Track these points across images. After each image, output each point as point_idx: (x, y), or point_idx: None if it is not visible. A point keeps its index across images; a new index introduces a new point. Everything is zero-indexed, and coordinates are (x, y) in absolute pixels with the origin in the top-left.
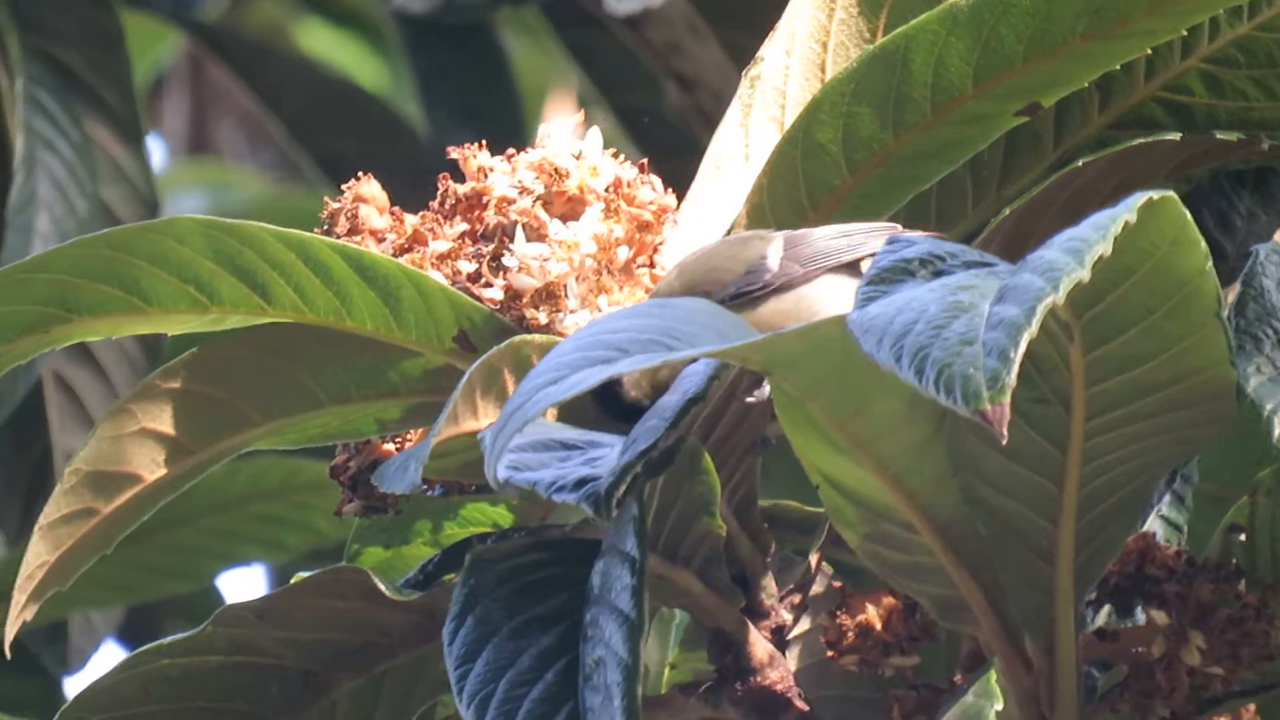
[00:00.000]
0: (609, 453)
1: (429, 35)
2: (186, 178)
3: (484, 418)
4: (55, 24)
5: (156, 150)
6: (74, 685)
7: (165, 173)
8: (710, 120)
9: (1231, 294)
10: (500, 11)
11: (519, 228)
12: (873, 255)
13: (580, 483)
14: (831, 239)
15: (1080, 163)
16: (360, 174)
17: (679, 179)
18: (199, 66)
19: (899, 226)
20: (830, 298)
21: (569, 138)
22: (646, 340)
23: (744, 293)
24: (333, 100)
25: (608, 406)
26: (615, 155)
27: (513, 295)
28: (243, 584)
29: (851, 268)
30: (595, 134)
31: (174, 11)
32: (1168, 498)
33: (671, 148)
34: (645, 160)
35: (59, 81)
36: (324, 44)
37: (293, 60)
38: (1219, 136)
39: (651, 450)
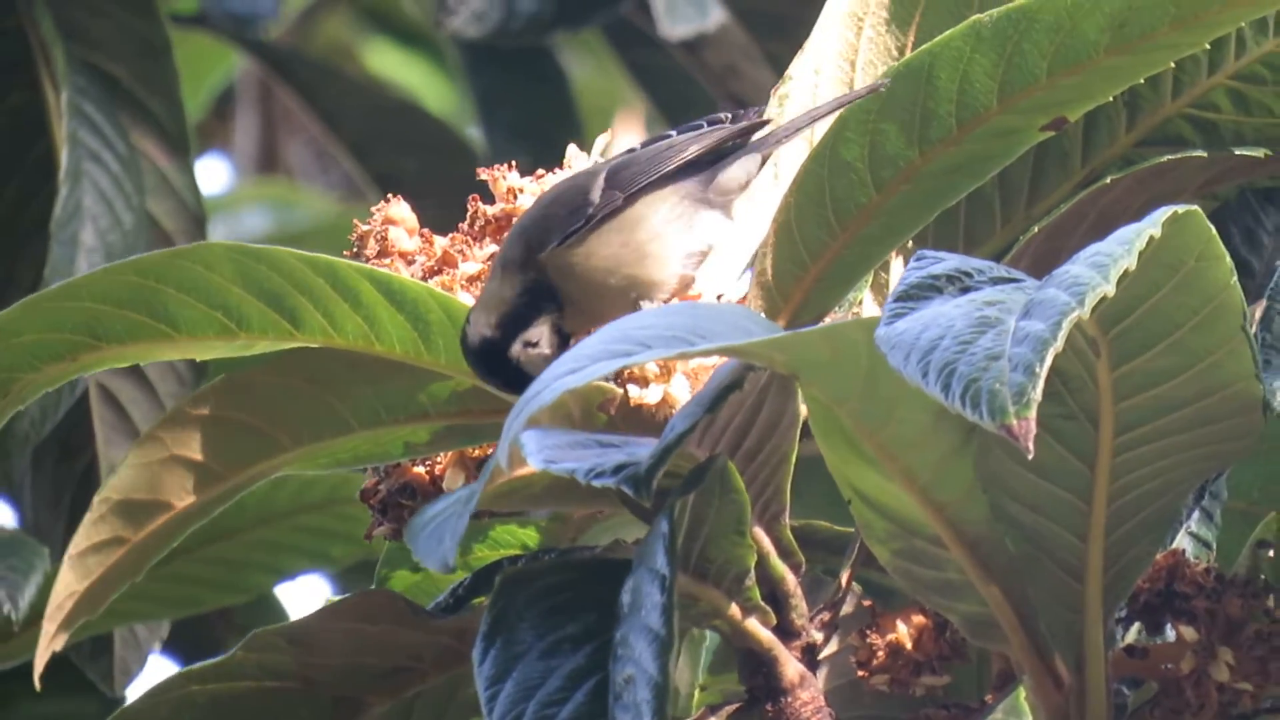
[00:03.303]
0: (645, 445)
1: (488, 57)
2: (253, 196)
3: (519, 469)
4: (101, 35)
5: (223, 170)
6: None
7: (232, 191)
8: None
9: (1258, 310)
10: (556, 35)
11: None
12: (697, 156)
13: (619, 467)
14: (651, 155)
15: (1108, 180)
16: (390, 195)
17: None
18: (268, 85)
19: (725, 117)
20: (651, 216)
21: (595, 159)
22: (671, 336)
23: (568, 234)
24: (393, 120)
25: (490, 370)
26: None
27: None
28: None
29: (680, 177)
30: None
31: (235, 31)
32: (1196, 514)
33: None
34: None
35: (105, 93)
36: (389, 63)
37: (354, 80)
38: (1246, 153)
39: (689, 433)
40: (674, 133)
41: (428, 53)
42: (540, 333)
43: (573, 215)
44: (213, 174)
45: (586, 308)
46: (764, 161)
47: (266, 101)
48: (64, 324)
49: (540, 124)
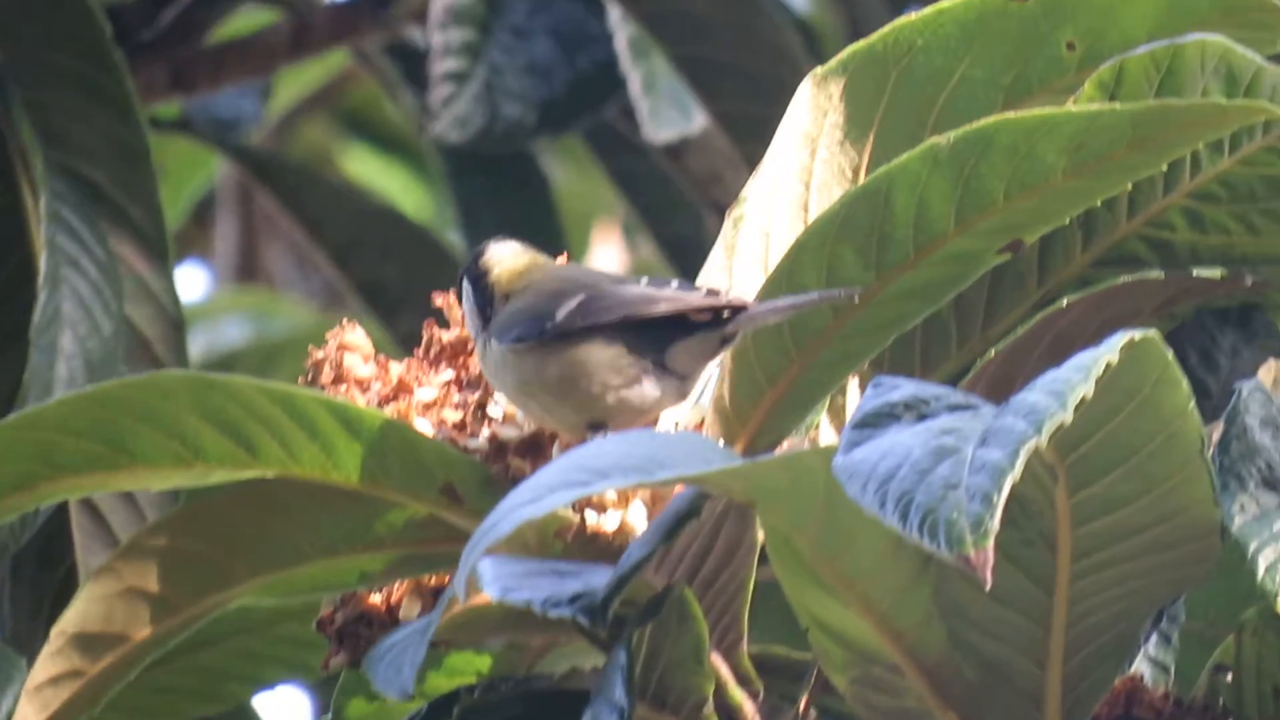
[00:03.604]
0: (601, 573)
1: (470, 162)
2: (232, 305)
3: (475, 599)
4: (80, 140)
5: (203, 278)
6: None
7: (211, 298)
8: None
9: (1215, 431)
10: (539, 140)
11: None
12: (669, 314)
13: (575, 597)
14: (631, 296)
15: (1064, 302)
16: (346, 321)
17: None
18: (248, 191)
19: (719, 290)
20: (592, 359)
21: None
22: (629, 466)
23: (521, 339)
24: (375, 227)
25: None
26: None
27: (498, 446)
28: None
29: (639, 332)
30: None
31: (217, 136)
32: (1154, 638)
33: None
34: None
35: (84, 198)
36: (368, 169)
37: (336, 186)
38: (1203, 274)
39: (645, 561)
40: (674, 283)
41: (407, 159)
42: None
43: (534, 323)
44: (192, 281)
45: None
46: (724, 343)
47: (246, 208)
48: (21, 454)
49: (522, 230)
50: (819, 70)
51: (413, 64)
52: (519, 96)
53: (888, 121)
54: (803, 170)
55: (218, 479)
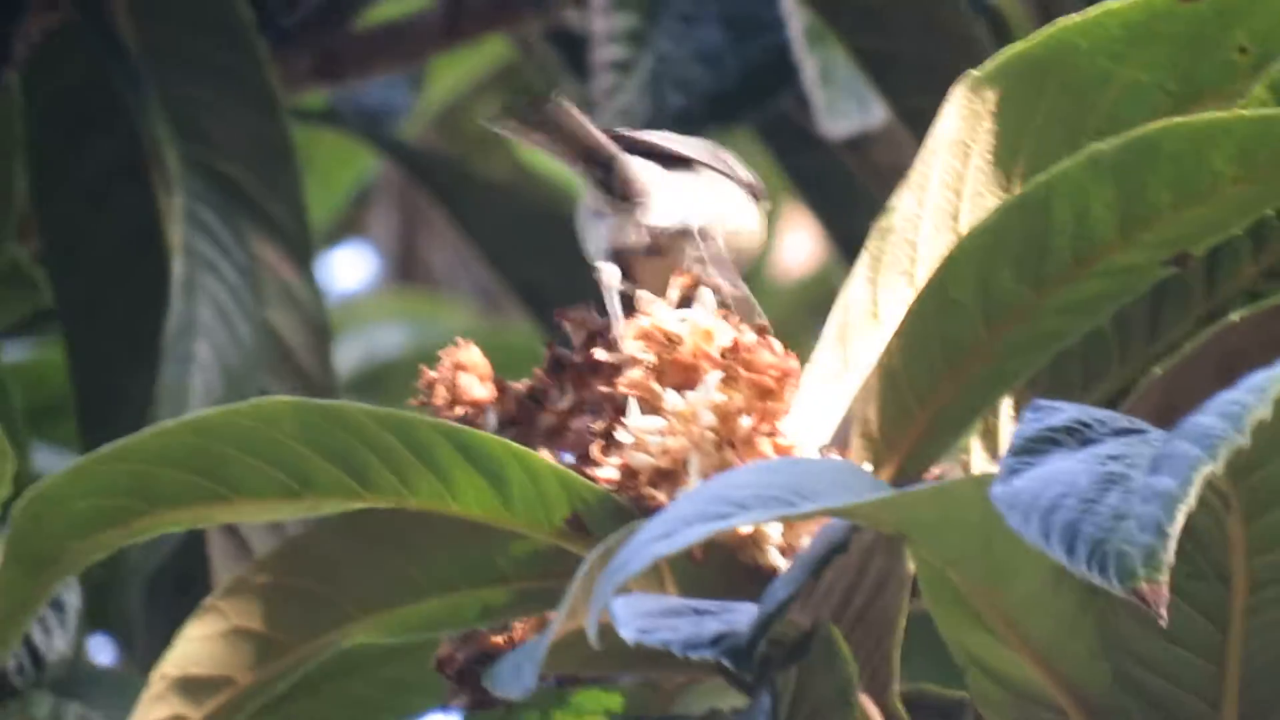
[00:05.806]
0: (744, 612)
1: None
2: (391, 307)
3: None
4: (219, 136)
5: (366, 261)
6: None
7: (369, 299)
8: None
9: None
10: (708, 133)
11: (631, 400)
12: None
13: (717, 639)
14: None
15: (1235, 316)
16: (460, 339)
17: None
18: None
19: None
20: None
21: (676, 303)
22: (769, 497)
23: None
24: (529, 226)
25: None
26: (729, 318)
27: (629, 474)
28: None
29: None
30: (708, 296)
31: (367, 129)
32: None
33: None
34: (765, 323)
35: (223, 198)
36: (541, 155)
37: (491, 183)
38: None
39: (791, 600)
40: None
41: None
42: None
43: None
44: (355, 264)
45: None
46: None
47: (407, 198)
48: (114, 488)
49: None
50: (973, 73)
51: (575, 50)
52: (687, 86)
53: (1047, 128)
54: (955, 178)
55: (327, 510)
